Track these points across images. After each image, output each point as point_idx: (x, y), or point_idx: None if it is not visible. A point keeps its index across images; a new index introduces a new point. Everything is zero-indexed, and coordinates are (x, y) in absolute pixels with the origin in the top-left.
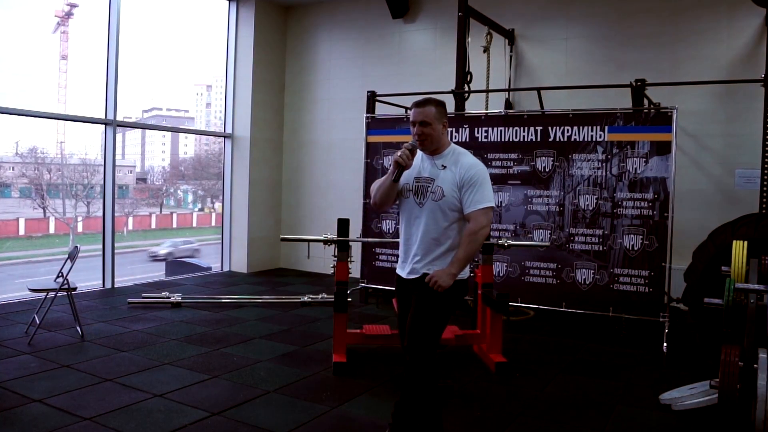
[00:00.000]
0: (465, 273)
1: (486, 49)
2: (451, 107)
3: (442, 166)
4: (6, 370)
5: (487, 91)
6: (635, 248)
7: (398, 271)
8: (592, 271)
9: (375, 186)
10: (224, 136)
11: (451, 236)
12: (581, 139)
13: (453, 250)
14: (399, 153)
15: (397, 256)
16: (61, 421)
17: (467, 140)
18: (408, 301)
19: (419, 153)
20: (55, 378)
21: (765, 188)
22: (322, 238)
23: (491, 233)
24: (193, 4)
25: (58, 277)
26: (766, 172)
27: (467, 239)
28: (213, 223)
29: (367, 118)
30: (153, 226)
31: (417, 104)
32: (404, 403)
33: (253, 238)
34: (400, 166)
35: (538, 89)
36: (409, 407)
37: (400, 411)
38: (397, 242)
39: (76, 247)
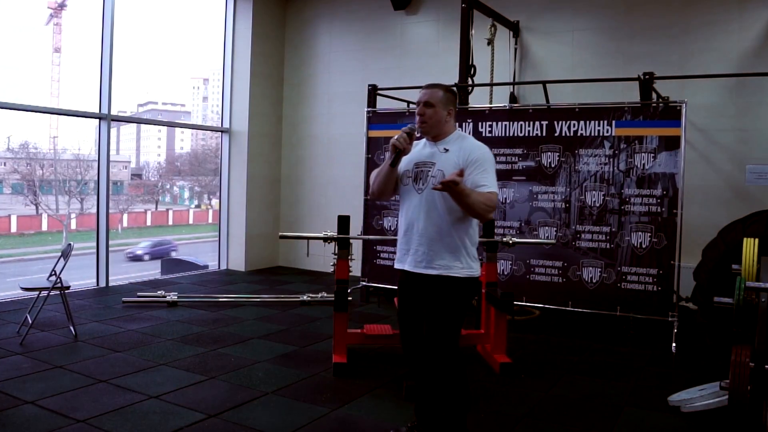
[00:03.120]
0: (476, 271)
1: (490, 42)
2: None
3: (444, 149)
4: None
5: (492, 84)
6: (643, 246)
7: (398, 265)
8: (599, 270)
9: (374, 174)
10: (221, 131)
11: (454, 224)
12: (588, 134)
13: (458, 241)
14: (396, 136)
15: None
16: (54, 423)
17: (471, 135)
18: (411, 295)
19: (422, 140)
20: (47, 379)
21: None
22: (321, 235)
23: (495, 230)
24: None
25: (51, 275)
26: None
27: (476, 191)
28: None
29: (368, 112)
30: (148, 223)
31: (426, 86)
32: (428, 406)
33: (251, 236)
34: (398, 150)
35: (544, 83)
36: (437, 410)
37: (424, 413)
38: None
39: (70, 244)
